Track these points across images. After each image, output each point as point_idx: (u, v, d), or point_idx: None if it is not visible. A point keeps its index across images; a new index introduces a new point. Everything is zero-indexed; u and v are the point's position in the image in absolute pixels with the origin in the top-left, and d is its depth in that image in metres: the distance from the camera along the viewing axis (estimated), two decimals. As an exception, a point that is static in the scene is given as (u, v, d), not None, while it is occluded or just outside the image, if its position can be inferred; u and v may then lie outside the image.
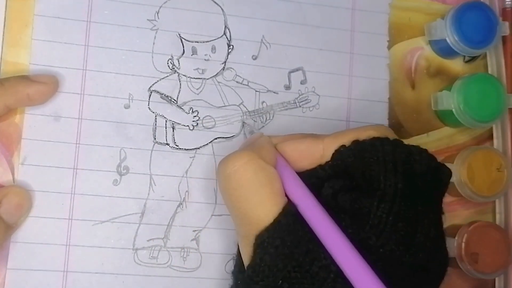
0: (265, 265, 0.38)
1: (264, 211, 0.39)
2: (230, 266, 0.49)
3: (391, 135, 0.41)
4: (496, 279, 0.55)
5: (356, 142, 0.41)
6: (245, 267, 0.40)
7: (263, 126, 0.52)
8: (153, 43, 0.51)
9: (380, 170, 0.39)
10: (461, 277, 0.54)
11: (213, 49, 0.52)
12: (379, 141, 0.40)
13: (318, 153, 0.42)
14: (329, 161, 0.42)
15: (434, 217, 0.40)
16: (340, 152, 0.41)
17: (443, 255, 0.41)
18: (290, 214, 0.39)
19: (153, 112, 0.50)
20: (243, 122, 0.51)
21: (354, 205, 0.39)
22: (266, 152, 0.41)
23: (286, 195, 0.40)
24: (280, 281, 0.37)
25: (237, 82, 0.52)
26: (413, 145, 0.41)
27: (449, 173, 0.42)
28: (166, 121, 0.50)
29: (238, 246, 0.42)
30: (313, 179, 0.42)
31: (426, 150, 0.41)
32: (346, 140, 0.41)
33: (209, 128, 0.51)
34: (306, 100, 0.53)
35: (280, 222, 0.38)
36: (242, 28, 0.52)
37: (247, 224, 0.39)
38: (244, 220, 0.40)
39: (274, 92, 0.52)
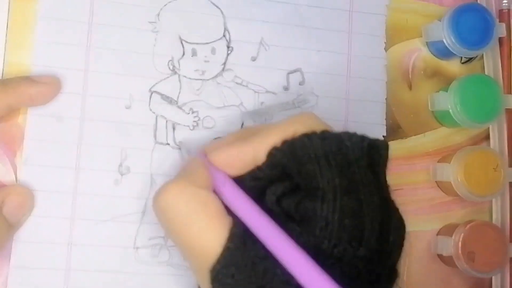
0: None
1: (207, 240, 0.37)
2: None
3: (318, 125, 0.40)
4: (493, 277, 0.55)
5: (285, 143, 0.40)
6: None
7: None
8: (154, 45, 0.50)
9: (314, 168, 0.38)
10: (458, 276, 0.54)
11: (213, 50, 0.52)
12: (307, 137, 0.39)
13: (249, 156, 0.40)
14: (265, 162, 0.40)
15: (378, 198, 0.38)
16: (273, 155, 0.40)
17: (398, 230, 0.39)
18: (237, 236, 0.37)
19: (154, 113, 0.50)
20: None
21: (299, 210, 0.38)
22: (198, 175, 0.40)
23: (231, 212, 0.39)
24: None
25: (236, 83, 0.52)
26: (343, 132, 0.40)
27: (384, 146, 0.40)
28: (166, 121, 0.50)
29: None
30: (254, 181, 0.41)
31: (355, 133, 0.40)
32: (274, 140, 0.40)
33: (209, 128, 0.51)
34: (304, 100, 0.53)
35: (229, 248, 0.37)
36: (242, 30, 0.52)
37: (196, 258, 0.38)
38: (192, 254, 0.38)
39: (273, 93, 0.52)
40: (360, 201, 0.37)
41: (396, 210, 0.40)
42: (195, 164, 0.42)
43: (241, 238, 0.37)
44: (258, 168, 0.41)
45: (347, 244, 0.36)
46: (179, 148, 0.50)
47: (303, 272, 0.35)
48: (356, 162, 0.39)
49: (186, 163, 0.44)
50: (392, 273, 0.40)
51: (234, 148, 0.41)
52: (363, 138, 0.40)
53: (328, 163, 0.38)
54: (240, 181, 0.41)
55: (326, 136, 0.39)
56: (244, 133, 0.43)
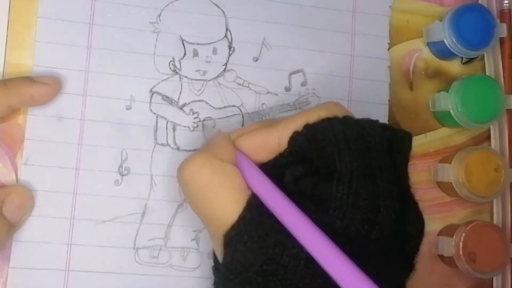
0: (237, 262, 0.36)
1: (227, 209, 0.37)
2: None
3: (341, 112, 0.39)
4: (494, 278, 0.53)
5: (307, 126, 0.39)
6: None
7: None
8: (155, 45, 0.48)
9: (333, 151, 0.37)
10: (459, 277, 0.53)
11: (214, 51, 0.49)
12: (328, 121, 0.38)
13: (274, 142, 0.40)
14: (287, 148, 0.39)
15: (396, 187, 0.37)
16: (294, 139, 0.39)
17: (415, 222, 0.39)
18: (254, 208, 0.37)
19: (154, 113, 0.48)
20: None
21: (315, 190, 0.37)
22: (223, 150, 0.39)
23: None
24: (254, 275, 0.35)
25: (238, 83, 0.49)
26: (364, 119, 0.39)
27: (408, 137, 0.40)
28: (167, 122, 0.48)
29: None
30: (276, 169, 0.40)
31: (377, 121, 0.39)
32: (298, 125, 0.39)
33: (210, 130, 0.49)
34: (306, 102, 0.50)
35: (245, 217, 0.36)
36: (243, 30, 0.50)
37: (214, 225, 0.38)
38: (211, 222, 0.38)
39: (274, 94, 0.50)
40: (377, 186, 0.36)
41: (415, 204, 0.39)
42: (219, 138, 0.41)
43: (257, 210, 0.37)
44: (281, 155, 0.40)
45: (359, 226, 0.35)
46: (178, 149, 0.48)
47: (312, 243, 0.35)
48: (376, 148, 0.38)
49: (211, 137, 0.43)
50: (407, 265, 0.39)
51: (259, 135, 0.40)
52: (384, 126, 0.39)
53: (347, 147, 0.37)
54: (262, 169, 0.40)
55: (347, 121, 0.39)
56: (268, 121, 0.43)
